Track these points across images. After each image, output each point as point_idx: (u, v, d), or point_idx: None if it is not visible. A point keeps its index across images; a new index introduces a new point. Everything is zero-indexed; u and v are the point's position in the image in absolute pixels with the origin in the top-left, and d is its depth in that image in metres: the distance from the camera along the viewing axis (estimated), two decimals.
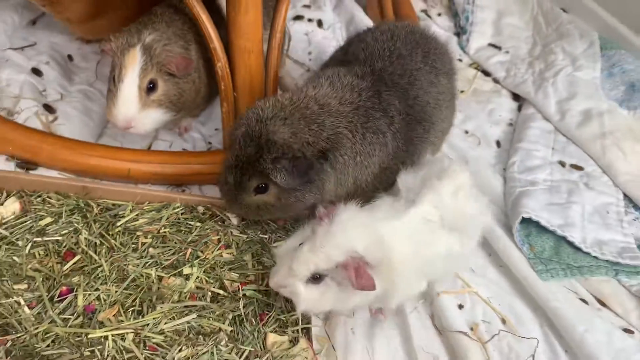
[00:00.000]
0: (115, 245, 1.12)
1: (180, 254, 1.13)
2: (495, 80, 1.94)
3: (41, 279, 1.05)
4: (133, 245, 1.13)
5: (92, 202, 1.18)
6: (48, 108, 1.46)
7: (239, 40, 1.28)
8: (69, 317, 1.01)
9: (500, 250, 1.37)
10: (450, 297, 1.26)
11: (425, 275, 1.10)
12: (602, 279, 1.38)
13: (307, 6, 2.06)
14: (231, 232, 1.20)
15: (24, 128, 1.33)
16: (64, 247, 1.11)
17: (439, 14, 2.20)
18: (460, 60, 2.00)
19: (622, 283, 1.38)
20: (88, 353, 0.96)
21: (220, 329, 1.03)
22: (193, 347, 0.99)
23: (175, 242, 1.15)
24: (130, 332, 0.99)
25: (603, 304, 1.35)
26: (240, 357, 1.00)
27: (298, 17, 1.98)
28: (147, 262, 1.11)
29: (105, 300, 1.04)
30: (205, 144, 1.50)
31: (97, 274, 1.07)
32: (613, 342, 1.25)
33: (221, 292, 1.09)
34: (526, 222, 1.42)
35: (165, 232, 1.16)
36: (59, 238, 1.12)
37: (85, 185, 1.18)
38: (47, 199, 1.17)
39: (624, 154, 1.64)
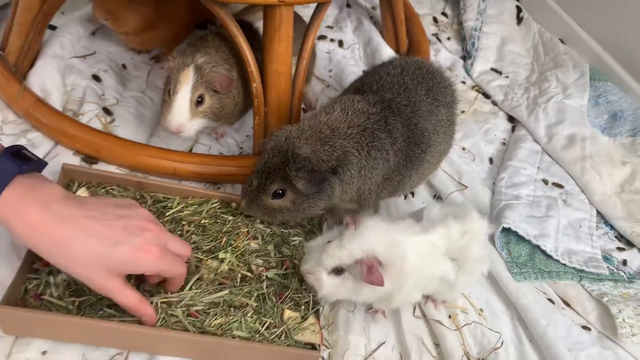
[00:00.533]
0: None
1: (217, 241, 1.38)
2: (494, 103, 2.15)
3: None
4: (179, 232, 1.38)
5: (146, 194, 1.43)
6: (106, 111, 1.71)
7: (272, 64, 1.53)
8: None
9: None
10: None
11: (421, 289, 1.33)
12: (568, 283, 1.60)
13: (330, 27, 2.29)
14: (257, 226, 1.45)
15: (88, 128, 1.58)
16: None
17: (449, 38, 2.42)
18: (464, 82, 2.22)
19: (585, 288, 1.60)
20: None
21: (247, 304, 1.28)
22: (226, 317, 1.24)
23: (213, 232, 1.40)
24: (174, 300, 1.25)
25: (567, 304, 1.56)
26: (262, 326, 1.25)
27: (321, 37, 2.21)
28: (190, 246, 1.36)
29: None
30: (237, 148, 1.75)
31: None
32: (571, 335, 1.47)
33: (249, 274, 1.34)
34: (507, 231, 1.64)
35: (205, 222, 1.41)
36: None
37: (141, 181, 1.43)
38: (110, 190, 1.42)
39: (600, 176, 1.86)
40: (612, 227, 1.79)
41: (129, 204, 1.16)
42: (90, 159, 1.56)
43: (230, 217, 1.45)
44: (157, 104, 1.79)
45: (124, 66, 1.90)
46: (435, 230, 1.26)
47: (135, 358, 1.23)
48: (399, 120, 1.40)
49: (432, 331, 1.43)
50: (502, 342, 1.42)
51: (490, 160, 1.94)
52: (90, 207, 1.09)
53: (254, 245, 1.40)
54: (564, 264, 1.62)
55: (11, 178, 1.02)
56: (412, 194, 1.74)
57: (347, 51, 2.21)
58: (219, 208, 1.46)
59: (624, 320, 1.48)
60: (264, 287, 1.32)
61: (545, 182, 1.86)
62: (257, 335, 1.23)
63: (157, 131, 1.73)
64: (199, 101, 1.49)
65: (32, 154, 1.10)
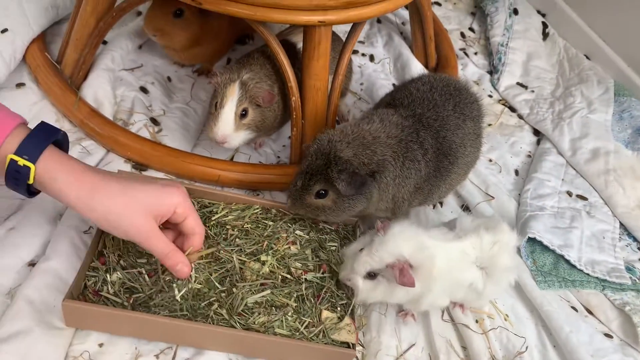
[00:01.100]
0: (211, 234, 1.47)
1: (259, 244, 1.47)
2: (520, 116, 2.22)
3: None
4: (223, 235, 1.48)
5: (194, 200, 1.54)
6: (154, 121, 1.82)
7: (310, 80, 1.63)
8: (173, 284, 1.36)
9: None
10: None
11: (449, 295, 1.41)
12: (591, 292, 1.66)
13: (361, 42, 2.38)
14: (296, 232, 1.55)
15: (139, 137, 1.69)
16: None
17: (476, 53, 2.50)
18: (490, 96, 2.29)
19: (608, 297, 1.65)
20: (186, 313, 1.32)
21: (287, 304, 1.37)
22: (268, 315, 1.34)
23: (255, 236, 1.50)
24: (215, 300, 1.34)
25: (590, 312, 1.62)
26: (302, 325, 1.34)
27: (353, 52, 2.29)
28: (234, 249, 1.46)
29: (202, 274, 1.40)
30: (275, 157, 1.85)
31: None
32: (594, 342, 1.53)
33: (288, 276, 1.43)
34: (532, 240, 1.71)
35: (247, 227, 1.51)
36: None
37: (190, 187, 1.54)
38: None
39: (624, 189, 1.92)
40: (634, 239, 1.84)
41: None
42: (140, 166, 1.68)
43: (271, 223, 1.54)
44: (201, 115, 1.90)
45: (169, 79, 2.02)
46: (467, 238, 1.34)
47: (183, 352, 1.33)
48: (429, 133, 1.49)
49: (459, 334, 1.50)
50: (526, 347, 1.49)
51: (516, 172, 2.00)
52: (122, 174, 1.23)
53: (293, 249, 1.50)
54: (588, 274, 1.68)
55: (55, 136, 1.16)
56: (441, 203, 1.82)
57: (377, 65, 2.30)
58: (260, 214, 1.56)
59: None
60: (303, 288, 1.41)
61: (570, 194, 1.92)
62: (297, 334, 1.32)
63: (201, 141, 1.84)
64: (243, 114, 1.59)
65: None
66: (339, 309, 1.40)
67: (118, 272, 1.35)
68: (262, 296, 1.37)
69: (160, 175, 1.66)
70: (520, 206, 1.84)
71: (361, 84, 2.21)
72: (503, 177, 1.97)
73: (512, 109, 2.25)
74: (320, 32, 1.53)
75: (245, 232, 1.51)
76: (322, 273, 1.46)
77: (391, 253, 1.27)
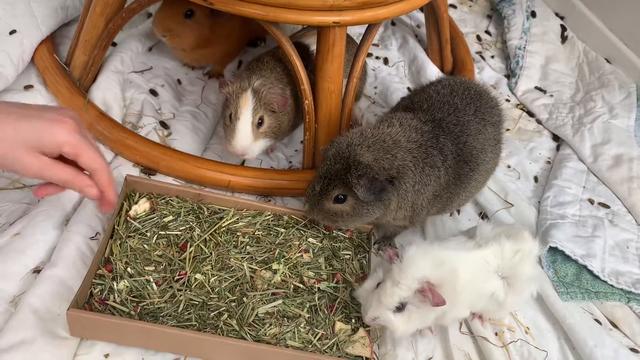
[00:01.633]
0: (221, 241, 1.43)
1: (270, 252, 1.43)
2: (538, 121, 2.16)
3: (164, 263, 1.37)
4: (234, 243, 1.44)
5: (204, 206, 1.49)
6: (163, 124, 1.78)
7: (324, 83, 1.58)
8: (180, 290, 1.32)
9: None
10: None
11: (470, 305, 1.35)
12: (616, 304, 1.60)
13: (375, 44, 2.33)
14: (309, 240, 1.49)
15: (147, 141, 1.65)
16: (182, 239, 1.41)
17: (492, 57, 2.44)
18: (508, 100, 2.24)
19: (633, 309, 1.60)
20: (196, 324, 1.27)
21: (300, 315, 1.32)
22: (280, 326, 1.29)
23: (266, 243, 1.45)
24: (225, 310, 1.30)
25: (615, 325, 1.56)
26: (314, 337, 1.29)
27: (367, 55, 2.26)
28: (244, 257, 1.41)
29: (210, 282, 1.35)
30: (287, 162, 1.80)
31: (206, 263, 1.38)
32: (619, 357, 1.46)
33: (301, 285, 1.38)
34: (553, 250, 1.65)
35: (258, 234, 1.46)
36: (178, 232, 1.42)
37: (199, 193, 1.49)
38: (170, 201, 1.48)
39: None
40: None
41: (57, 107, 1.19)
42: (149, 171, 1.63)
43: (283, 230, 1.49)
44: (212, 118, 1.86)
45: (179, 81, 1.98)
46: (488, 247, 1.29)
47: None
48: (449, 138, 1.44)
49: (478, 348, 1.44)
50: None
51: (535, 179, 1.95)
52: (12, 104, 1.13)
53: (305, 257, 1.45)
54: (612, 285, 1.62)
55: None
56: (458, 211, 1.76)
57: (392, 68, 2.25)
58: (271, 220, 1.51)
59: None
60: (316, 298, 1.36)
61: (591, 202, 1.86)
62: (310, 346, 1.27)
63: (211, 145, 1.80)
64: (260, 123, 1.54)
65: None
66: (353, 320, 1.35)
67: (125, 280, 1.31)
68: (274, 306, 1.33)
69: (169, 180, 1.62)
70: (541, 214, 1.78)
71: (375, 87, 2.16)
72: (522, 184, 1.91)
73: (531, 114, 2.19)
74: (335, 33, 1.49)
75: (257, 240, 1.46)
76: (336, 283, 1.41)
77: (416, 278, 1.20)
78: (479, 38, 2.52)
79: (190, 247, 1.40)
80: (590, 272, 1.63)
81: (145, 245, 1.39)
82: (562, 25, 2.56)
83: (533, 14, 2.53)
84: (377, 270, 1.30)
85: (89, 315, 1.20)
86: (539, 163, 2.01)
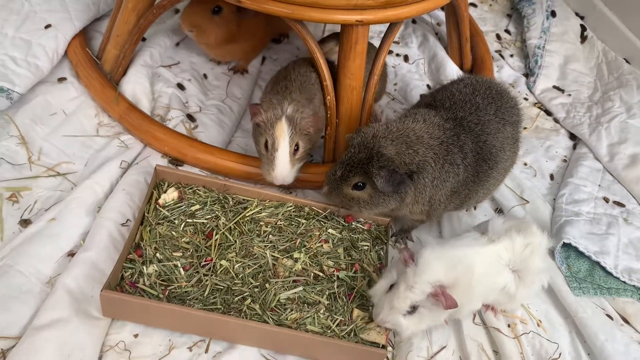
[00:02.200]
0: (245, 230, 1.49)
1: (292, 242, 1.49)
2: (556, 120, 2.19)
3: (191, 249, 1.44)
4: (257, 232, 1.50)
5: (229, 196, 1.56)
6: (190, 117, 1.85)
7: (346, 79, 1.63)
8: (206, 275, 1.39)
9: None
10: None
11: (482, 298, 1.40)
12: (628, 300, 1.63)
13: (396, 42, 2.37)
14: (329, 231, 1.55)
15: (176, 133, 1.72)
16: (208, 228, 1.48)
17: (512, 55, 2.47)
18: (526, 99, 2.26)
19: None
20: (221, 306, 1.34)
21: (319, 301, 1.38)
22: (300, 312, 1.35)
23: (288, 233, 1.51)
24: (248, 295, 1.36)
25: (626, 321, 1.59)
26: (333, 323, 1.35)
27: (388, 52, 2.30)
28: (267, 245, 1.47)
29: (234, 268, 1.41)
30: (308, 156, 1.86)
31: (231, 250, 1.45)
32: (630, 352, 1.49)
33: (320, 274, 1.44)
34: (567, 246, 1.68)
35: (280, 224, 1.53)
36: (204, 221, 1.49)
37: (225, 183, 1.56)
38: (197, 190, 1.55)
39: None
40: None
41: None
42: (176, 161, 1.70)
43: (304, 221, 1.55)
44: (236, 112, 1.92)
45: (205, 76, 2.04)
46: (500, 242, 1.33)
47: (215, 346, 1.35)
48: (470, 137, 1.48)
49: (491, 338, 1.49)
50: (559, 354, 1.47)
51: (551, 177, 1.98)
52: None
53: (325, 247, 1.51)
54: (624, 282, 1.65)
55: None
56: (475, 207, 1.80)
57: (412, 66, 2.29)
58: (293, 211, 1.57)
59: None
60: (335, 286, 1.42)
61: (606, 200, 1.89)
62: (329, 331, 1.33)
63: (236, 137, 1.86)
64: (296, 149, 1.57)
65: None
66: (370, 308, 1.40)
67: (154, 265, 1.38)
68: (295, 293, 1.39)
69: (196, 170, 1.68)
70: (555, 211, 1.82)
71: (395, 84, 2.20)
72: (538, 181, 1.95)
73: (548, 113, 2.22)
74: (358, 31, 1.54)
75: (279, 229, 1.52)
76: (354, 272, 1.47)
77: (430, 282, 1.24)
78: (498, 37, 2.55)
79: (215, 235, 1.46)
80: (603, 268, 1.66)
81: (174, 232, 1.46)
82: (582, 25, 2.57)
83: (553, 14, 2.55)
84: (391, 270, 1.34)
85: (120, 297, 1.27)
86: (555, 161, 2.04)
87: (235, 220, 1.50)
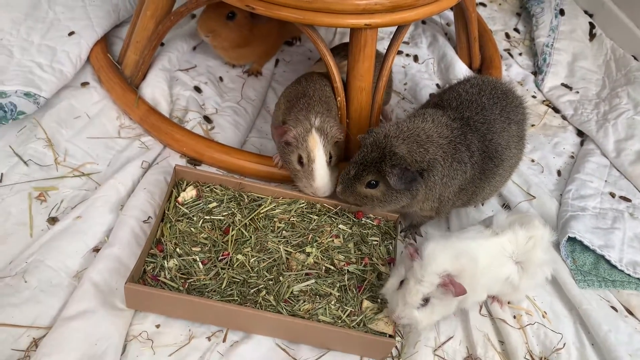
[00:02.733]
0: (259, 226, 1.56)
1: (304, 237, 1.56)
2: (563, 117, 2.22)
3: (209, 244, 1.52)
4: (271, 227, 1.57)
5: (244, 193, 1.63)
6: (207, 119, 1.93)
7: (356, 81, 1.69)
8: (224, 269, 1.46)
9: None
10: None
11: (487, 289, 1.45)
12: (632, 293, 1.67)
13: (406, 42, 2.43)
14: (339, 227, 1.62)
15: (193, 134, 1.80)
16: (225, 224, 1.55)
17: (520, 54, 2.51)
18: (534, 96, 2.30)
19: None
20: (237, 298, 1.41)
21: (330, 293, 1.45)
22: (312, 303, 1.42)
23: (300, 229, 1.58)
24: (263, 287, 1.43)
25: (630, 312, 1.63)
26: (344, 313, 1.42)
27: (398, 52, 2.35)
28: (281, 241, 1.54)
29: (250, 262, 1.49)
30: None
31: (246, 245, 1.52)
32: (633, 342, 1.54)
33: (332, 267, 1.51)
34: (572, 240, 1.72)
35: (293, 220, 1.60)
36: (221, 217, 1.57)
37: (240, 182, 1.64)
38: (214, 189, 1.63)
39: None
40: None
41: None
42: (194, 161, 1.78)
43: (315, 217, 1.62)
44: (251, 113, 2.00)
45: (221, 79, 2.12)
46: (503, 235, 1.39)
47: (233, 335, 1.42)
48: (476, 136, 1.53)
49: (497, 329, 1.55)
50: (564, 344, 1.52)
51: (559, 173, 2.02)
52: None
53: (336, 242, 1.57)
54: (629, 274, 1.69)
55: None
56: (482, 203, 1.85)
57: (421, 66, 2.34)
58: (305, 208, 1.64)
59: None
60: (345, 279, 1.49)
61: (613, 195, 1.92)
62: (339, 321, 1.40)
63: (250, 138, 1.94)
64: (330, 158, 1.62)
65: None
66: (379, 300, 1.47)
67: (174, 259, 1.46)
68: (307, 285, 1.45)
69: (213, 170, 1.76)
70: (562, 206, 1.86)
71: (405, 84, 2.26)
72: (545, 178, 1.99)
73: (556, 110, 2.26)
74: (366, 34, 1.60)
75: (292, 225, 1.59)
76: (364, 266, 1.53)
77: (437, 273, 1.29)
78: (507, 36, 2.59)
79: (232, 231, 1.53)
80: (608, 261, 1.70)
81: (192, 229, 1.54)
82: (590, 23, 2.60)
83: (562, 12, 2.58)
84: (398, 267, 1.39)
85: (143, 289, 1.35)
86: (563, 157, 2.08)
87: (251, 217, 1.57)
